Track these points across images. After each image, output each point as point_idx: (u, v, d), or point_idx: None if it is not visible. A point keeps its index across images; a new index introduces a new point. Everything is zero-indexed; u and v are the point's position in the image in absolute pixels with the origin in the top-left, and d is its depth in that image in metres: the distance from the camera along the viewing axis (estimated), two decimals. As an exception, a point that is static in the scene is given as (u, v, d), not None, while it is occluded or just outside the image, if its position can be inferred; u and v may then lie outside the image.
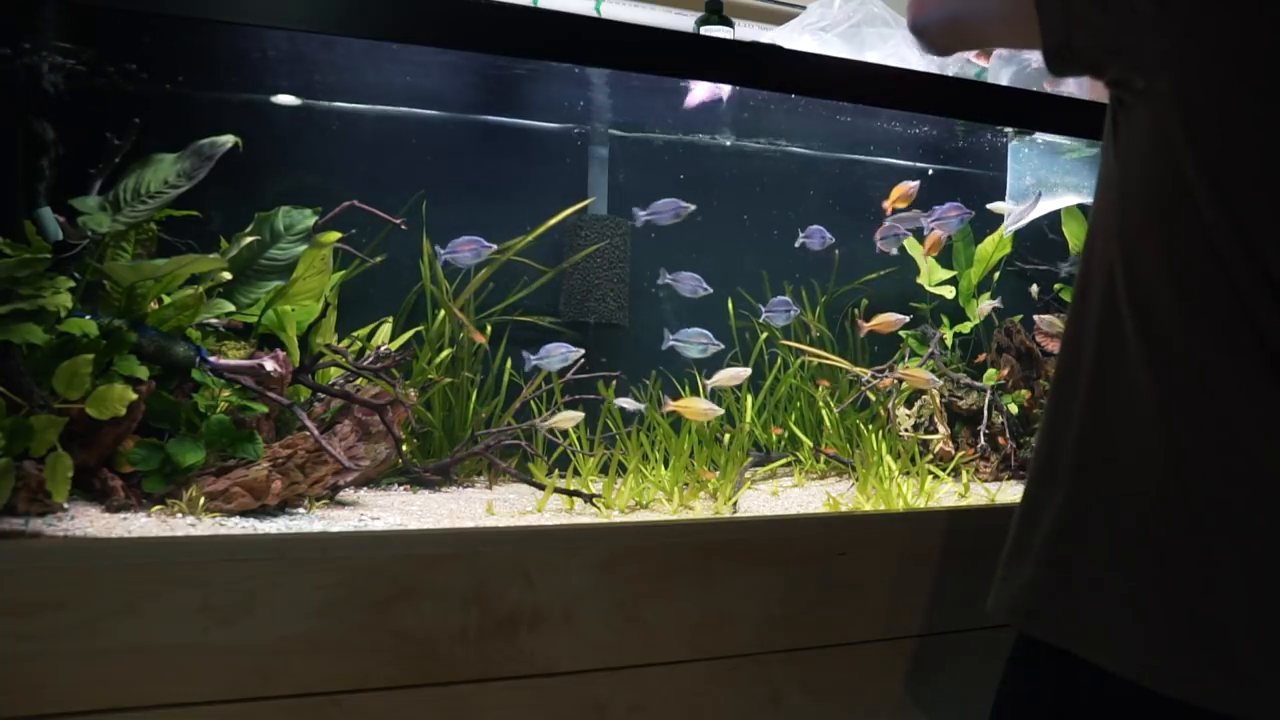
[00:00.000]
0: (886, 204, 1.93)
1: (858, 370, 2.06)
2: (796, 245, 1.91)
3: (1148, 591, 0.95)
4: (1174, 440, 0.95)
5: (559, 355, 1.73)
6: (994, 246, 2.17)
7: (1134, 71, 0.99)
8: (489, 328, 1.83)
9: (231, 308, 1.48)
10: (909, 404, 2.10)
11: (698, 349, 1.80)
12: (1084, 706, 1.01)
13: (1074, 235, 2.23)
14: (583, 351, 1.75)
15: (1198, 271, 0.94)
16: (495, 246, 1.73)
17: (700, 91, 1.81)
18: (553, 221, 1.82)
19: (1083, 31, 1.01)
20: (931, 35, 1.26)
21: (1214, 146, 0.93)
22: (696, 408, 1.70)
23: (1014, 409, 2.06)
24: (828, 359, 2.05)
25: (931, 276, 2.17)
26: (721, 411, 1.72)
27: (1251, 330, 0.92)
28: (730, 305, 2.03)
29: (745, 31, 2.08)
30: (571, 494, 1.53)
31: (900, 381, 2.02)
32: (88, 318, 1.27)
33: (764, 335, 2.04)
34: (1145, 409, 0.97)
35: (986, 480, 1.97)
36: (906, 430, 2.03)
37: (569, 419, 1.69)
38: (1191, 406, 0.94)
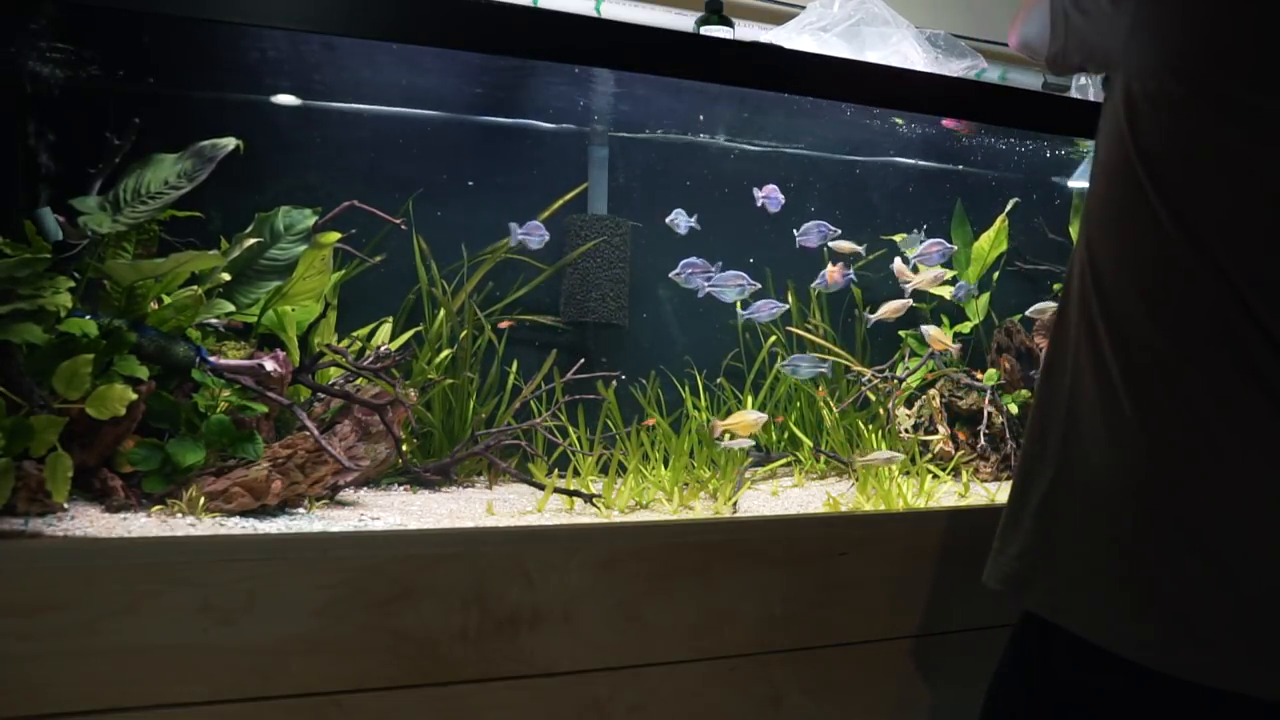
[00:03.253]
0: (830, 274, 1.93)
1: (859, 369, 2.06)
2: (797, 246, 1.91)
3: (1124, 564, 0.98)
4: (1142, 420, 0.98)
5: (767, 310, 1.84)
6: (989, 244, 2.17)
7: (1104, 68, 1.07)
8: (488, 327, 1.83)
9: (231, 308, 1.48)
10: (909, 404, 2.10)
11: (735, 291, 1.82)
12: (1065, 675, 1.04)
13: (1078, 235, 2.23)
14: (758, 285, 1.83)
15: (1152, 261, 0.99)
16: (549, 236, 1.80)
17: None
18: (546, 214, 1.82)
19: (1071, 36, 1.11)
20: (1025, 55, 1.35)
21: (1151, 138, 0.98)
22: (746, 420, 1.71)
23: (1014, 409, 2.06)
24: (834, 352, 2.05)
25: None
26: (766, 418, 1.75)
27: (1206, 315, 0.96)
28: (738, 305, 2.03)
29: (745, 31, 2.07)
30: (571, 494, 1.53)
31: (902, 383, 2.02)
32: (88, 318, 1.27)
33: (772, 339, 2.04)
34: (1117, 389, 1.00)
35: (986, 480, 1.97)
36: (906, 430, 2.03)
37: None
38: (1155, 388, 0.98)
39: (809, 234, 1.90)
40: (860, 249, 1.95)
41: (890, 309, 1.93)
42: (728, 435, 1.72)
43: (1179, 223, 0.96)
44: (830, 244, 1.92)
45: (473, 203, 1.89)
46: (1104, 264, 1.03)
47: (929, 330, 1.95)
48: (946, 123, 1.93)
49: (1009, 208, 2.15)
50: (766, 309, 1.85)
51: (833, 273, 1.90)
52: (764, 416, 1.71)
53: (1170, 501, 0.96)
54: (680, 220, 1.83)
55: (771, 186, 1.89)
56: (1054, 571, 1.04)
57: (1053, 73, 1.18)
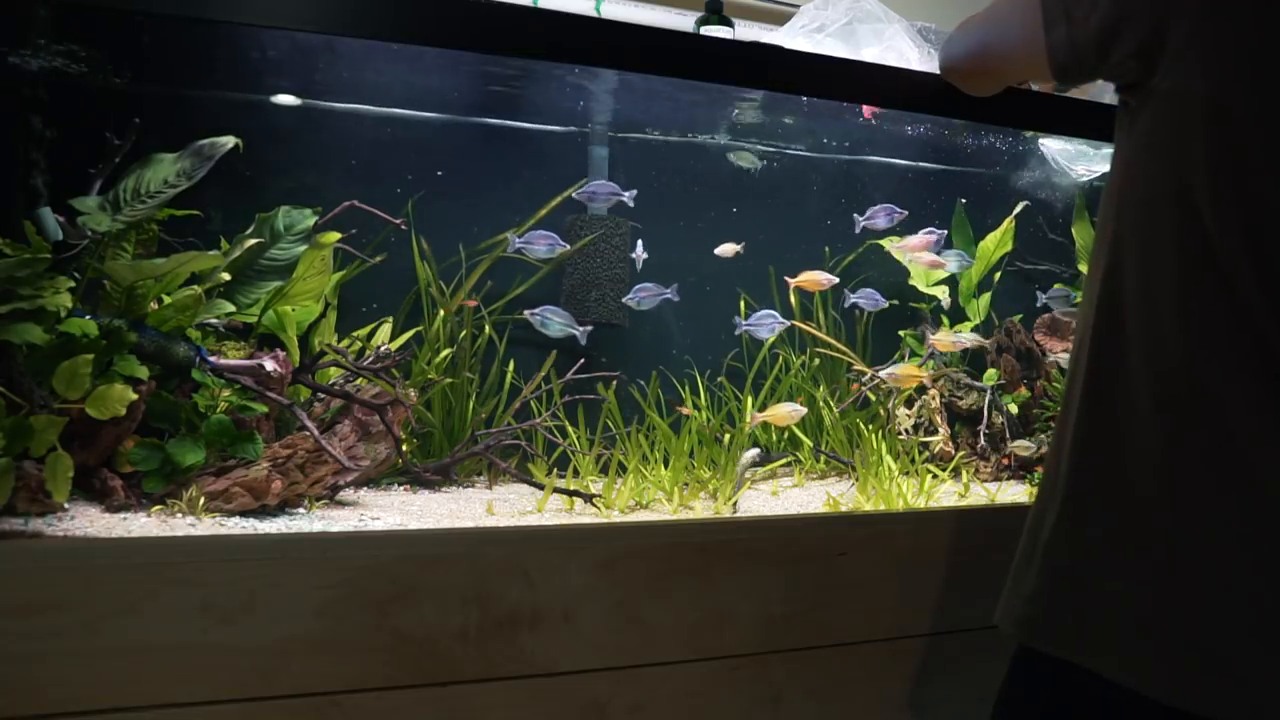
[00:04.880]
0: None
1: (860, 367, 2.05)
2: (858, 230, 1.89)
3: (1145, 599, 0.95)
4: (1168, 447, 0.95)
5: (767, 325, 1.81)
6: (994, 245, 2.17)
7: (1146, 70, 0.97)
8: (487, 327, 1.83)
9: (231, 308, 1.48)
10: (909, 404, 2.10)
11: (767, 329, 1.82)
12: (1081, 712, 1.01)
13: (1081, 235, 2.23)
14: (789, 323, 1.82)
15: (1195, 279, 0.94)
16: (569, 246, 1.76)
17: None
18: (544, 211, 1.82)
19: (1078, 27, 1.01)
20: (961, 72, 1.27)
21: (1222, 148, 0.92)
22: (781, 413, 1.73)
23: (1014, 409, 2.06)
24: (836, 349, 2.05)
25: (928, 277, 2.17)
26: (805, 411, 1.76)
27: (1248, 339, 0.92)
28: (743, 304, 2.03)
29: (745, 31, 2.08)
30: (571, 494, 1.53)
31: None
32: (88, 318, 1.27)
33: (770, 339, 2.04)
34: (1140, 415, 0.97)
35: (986, 480, 1.97)
36: (906, 430, 2.03)
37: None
38: (1186, 415, 0.95)
39: (875, 216, 1.85)
40: (739, 247, 1.88)
41: (915, 244, 1.94)
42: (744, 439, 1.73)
43: (1249, 238, 0.91)
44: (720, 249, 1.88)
45: (472, 203, 1.89)
46: (1140, 287, 0.98)
47: (937, 335, 1.92)
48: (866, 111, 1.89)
49: (1017, 210, 2.15)
50: (766, 325, 1.84)
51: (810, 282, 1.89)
52: (801, 410, 1.72)
53: (1199, 535, 0.93)
54: (599, 193, 1.76)
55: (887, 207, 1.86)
56: (1070, 611, 1.01)
57: (1061, 79, 1.08)
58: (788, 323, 1.83)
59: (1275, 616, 0.91)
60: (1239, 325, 0.92)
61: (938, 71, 1.41)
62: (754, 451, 1.78)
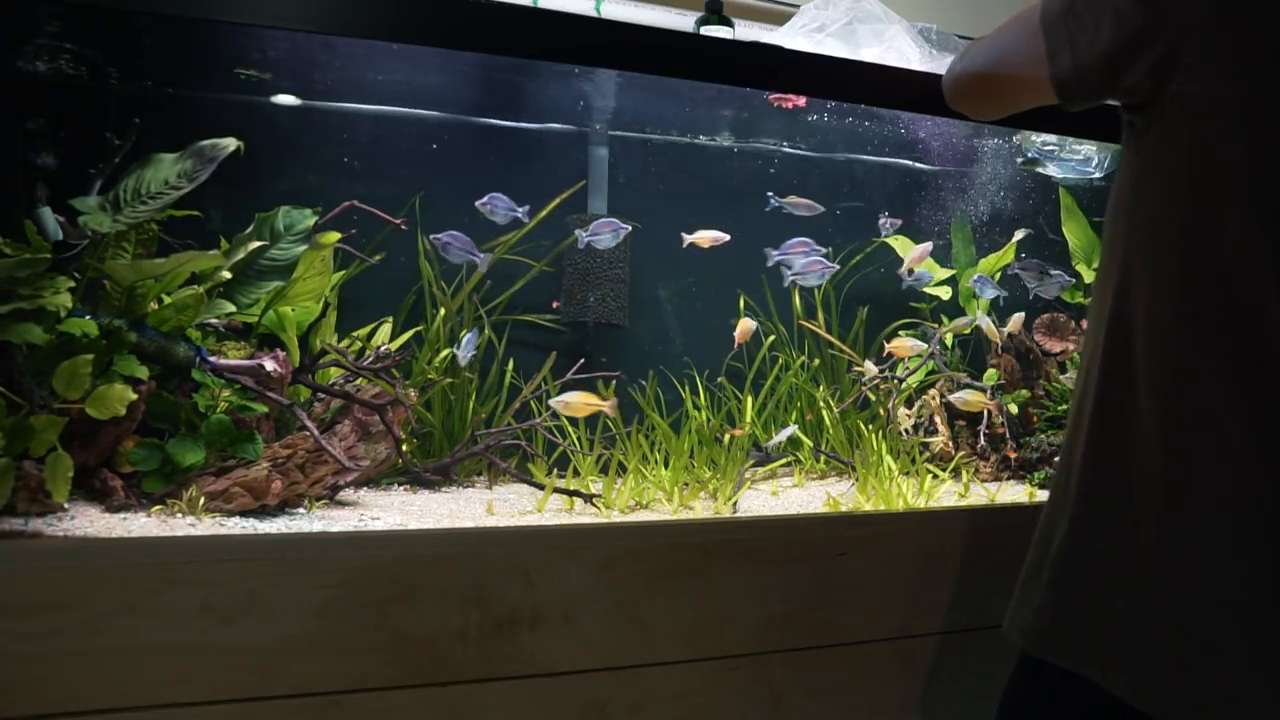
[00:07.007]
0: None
1: (861, 367, 2.05)
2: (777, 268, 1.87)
3: (1149, 615, 0.96)
4: (1174, 466, 0.95)
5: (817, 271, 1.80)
6: (997, 260, 2.18)
7: (1157, 90, 0.96)
8: (487, 327, 1.83)
9: (232, 308, 1.48)
10: (909, 404, 2.10)
11: (816, 277, 1.82)
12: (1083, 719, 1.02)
13: (1073, 235, 2.23)
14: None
15: (1200, 299, 0.94)
16: (628, 227, 1.77)
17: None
18: (544, 213, 1.82)
19: (1088, 43, 0.99)
20: (967, 97, 1.24)
21: (1256, 153, 0.92)
22: (574, 402, 1.63)
23: (1014, 409, 2.06)
24: (839, 349, 2.05)
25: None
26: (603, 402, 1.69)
27: (1256, 360, 0.92)
28: (742, 304, 2.03)
29: (745, 31, 2.07)
30: (571, 494, 1.53)
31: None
32: (88, 318, 1.27)
33: (770, 338, 2.04)
34: (1147, 434, 0.97)
35: (986, 480, 1.97)
36: (906, 430, 2.03)
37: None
38: (1192, 434, 0.95)
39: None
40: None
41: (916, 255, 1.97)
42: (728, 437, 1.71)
43: (1263, 248, 0.90)
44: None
45: (472, 203, 1.89)
46: (1149, 307, 0.98)
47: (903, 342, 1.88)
48: (772, 99, 1.83)
49: (1019, 236, 2.15)
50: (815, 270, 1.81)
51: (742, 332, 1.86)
52: (595, 399, 1.63)
53: (1200, 555, 0.94)
54: (499, 206, 1.71)
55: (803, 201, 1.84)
56: (1076, 625, 1.02)
57: (1066, 103, 1.05)
58: (825, 251, 1.81)
59: (1271, 636, 0.91)
60: (1244, 349, 0.93)
61: (939, 74, 1.40)
62: (789, 430, 1.77)
